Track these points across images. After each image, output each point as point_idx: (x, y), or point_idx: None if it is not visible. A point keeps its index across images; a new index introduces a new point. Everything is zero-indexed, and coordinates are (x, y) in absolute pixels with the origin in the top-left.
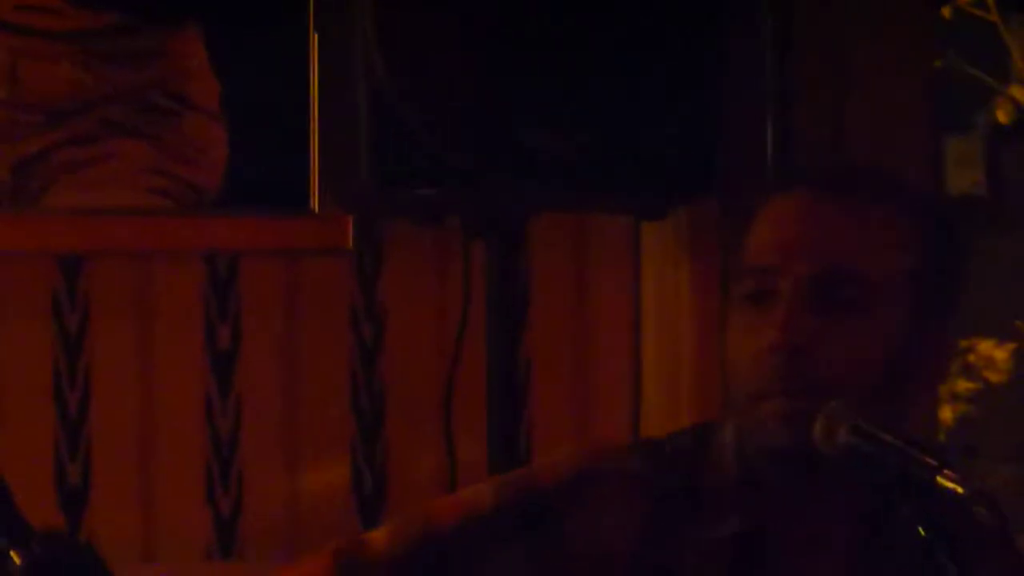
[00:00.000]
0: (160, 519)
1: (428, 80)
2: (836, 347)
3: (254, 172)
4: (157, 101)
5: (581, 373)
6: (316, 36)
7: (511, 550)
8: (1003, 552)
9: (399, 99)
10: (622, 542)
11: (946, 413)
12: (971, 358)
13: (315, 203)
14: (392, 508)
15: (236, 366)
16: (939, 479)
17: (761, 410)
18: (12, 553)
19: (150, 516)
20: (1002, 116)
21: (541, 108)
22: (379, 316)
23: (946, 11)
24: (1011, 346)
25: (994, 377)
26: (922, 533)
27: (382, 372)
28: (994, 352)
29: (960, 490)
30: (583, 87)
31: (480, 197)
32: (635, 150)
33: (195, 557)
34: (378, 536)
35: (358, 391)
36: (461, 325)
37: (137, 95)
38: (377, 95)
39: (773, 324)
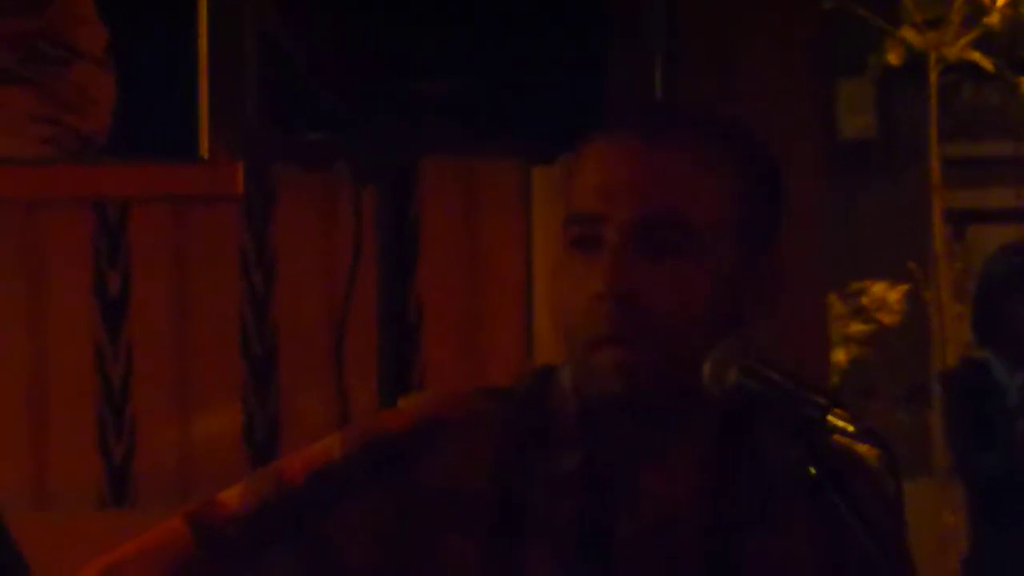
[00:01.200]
0: (52, 467)
1: (317, 24)
2: (664, 291)
3: (142, 119)
4: (44, 49)
5: (473, 316)
6: None
7: (364, 496)
8: (886, 491)
9: (288, 44)
10: (473, 480)
11: (840, 355)
12: (864, 300)
13: (204, 149)
14: (285, 453)
15: (127, 313)
16: (829, 417)
17: (595, 358)
18: None
19: (42, 464)
20: (893, 58)
21: (429, 52)
22: (270, 262)
23: None
24: (904, 287)
25: (887, 319)
26: (812, 472)
27: (273, 318)
28: (887, 294)
29: (850, 428)
30: (471, 30)
31: (369, 142)
32: (523, 93)
33: (88, 505)
34: (230, 495)
35: (249, 337)
36: (352, 270)
37: (23, 43)
38: (266, 40)
39: (600, 273)
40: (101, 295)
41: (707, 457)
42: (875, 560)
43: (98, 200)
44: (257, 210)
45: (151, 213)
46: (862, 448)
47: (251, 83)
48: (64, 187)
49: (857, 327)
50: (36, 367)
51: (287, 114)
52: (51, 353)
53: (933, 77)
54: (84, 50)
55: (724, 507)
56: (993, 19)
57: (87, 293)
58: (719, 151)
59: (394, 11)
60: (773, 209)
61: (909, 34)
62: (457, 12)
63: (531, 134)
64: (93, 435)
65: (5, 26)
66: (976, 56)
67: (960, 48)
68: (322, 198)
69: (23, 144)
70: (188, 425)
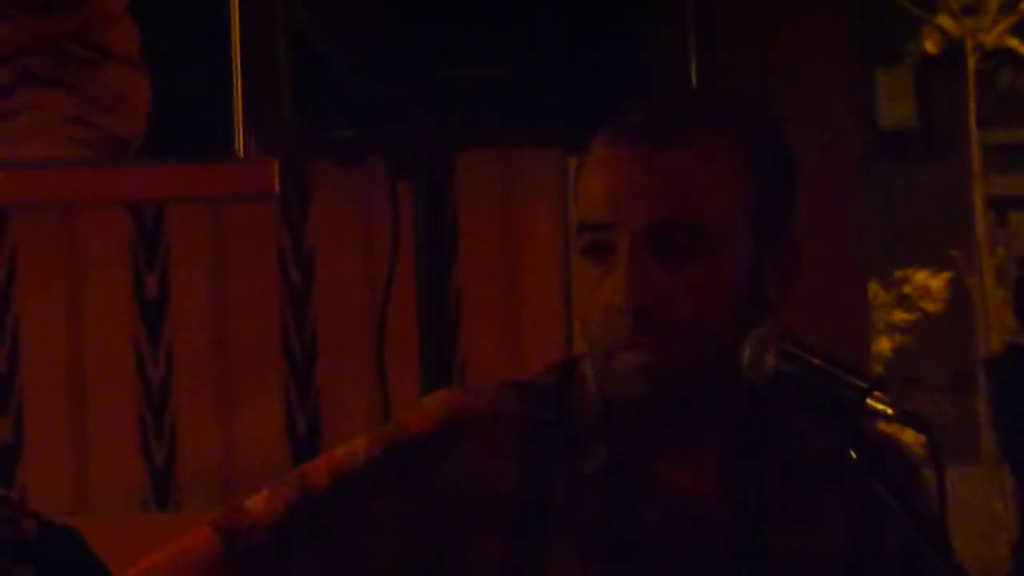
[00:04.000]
0: (94, 471)
1: (349, 19)
2: (681, 296)
3: (177, 119)
4: (76, 51)
5: (512, 308)
6: None
7: (388, 498)
8: (924, 476)
9: (320, 39)
10: (497, 481)
11: (883, 344)
12: (907, 289)
13: (240, 148)
14: (326, 450)
15: (165, 315)
16: (868, 401)
17: (616, 362)
18: None
19: (83, 469)
20: (930, 46)
21: (464, 43)
22: (307, 259)
23: None
24: (947, 275)
25: (930, 307)
26: (853, 456)
27: (312, 315)
28: (930, 282)
29: (889, 411)
30: (505, 19)
31: (404, 135)
32: (559, 81)
33: (131, 508)
34: (256, 501)
35: (289, 335)
36: (390, 265)
37: (56, 45)
38: (298, 36)
39: (615, 284)
40: (140, 297)
41: (732, 450)
42: (914, 546)
43: (134, 202)
44: (294, 208)
45: (187, 214)
46: (902, 432)
47: (284, 81)
48: (99, 189)
49: (900, 316)
50: (76, 370)
51: (321, 111)
52: (90, 356)
53: (971, 64)
54: (117, 51)
55: (749, 501)
56: None
57: (125, 295)
58: (726, 144)
59: (427, 2)
60: (785, 190)
61: (946, 22)
62: (491, 1)
63: (568, 123)
64: (134, 438)
65: (37, 29)
66: (1013, 42)
67: (997, 35)
68: (359, 194)
69: (58, 147)
70: (229, 426)
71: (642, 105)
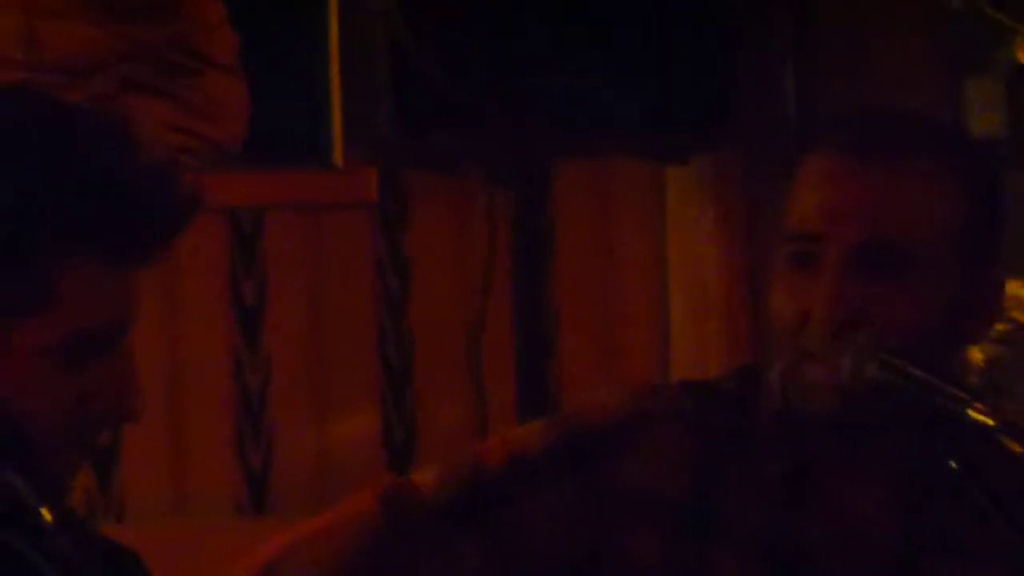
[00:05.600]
0: (191, 475)
1: (447, 29)
2: (883, 314)
3: (276, 127)
4: (176, 58)
5: (608, 318)
6: None
7: (558, 488)
8: None
9: (419, 49)
10: (671, 482)
11: (976, 354)
12: None
13: (338, 157)
14: (422, 458)
15: (263, 321)
16: (969, 411)
17: (810, 373)
18: (43, 510)
19: (180, 472)
20: (1021, 56)
21: (561, 55)
22: (405, 267)
23: None
24: None
25: (1022, 317)
26: (953, 467)
27: (409, 323)
28: (1022, 292)
29: (991, 422)
30: (604, 32)
31: (502, 145)
32: (655, 93)
33: (226, 511)
34: (426, 479)
35: (386, 342)
36: (487, 274)
37: (155, 53)
38: (397, 46)
39: (819, 294)
40: (237, 303)
41: (908, 475)
42: None
43: (232, 209)
44: (391, 216)
45: (285, 221)
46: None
47: (383, 90)
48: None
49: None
50: (174, 376)
51: (419, 120)
52: (189, 362)
53: None
54: (216, 59)
55: (917, 527)
56: None
57: (223, 302)
58: (942, 168)
59: (526, 13)
60: (995, 222)
61: None
62: (590, 13)
63: (663, 134)
64: (231, 442)
65: (136, 36)
66: None
67: None
68: (456, 203)
69: None
70: (325, 431)
71: (859, 121)
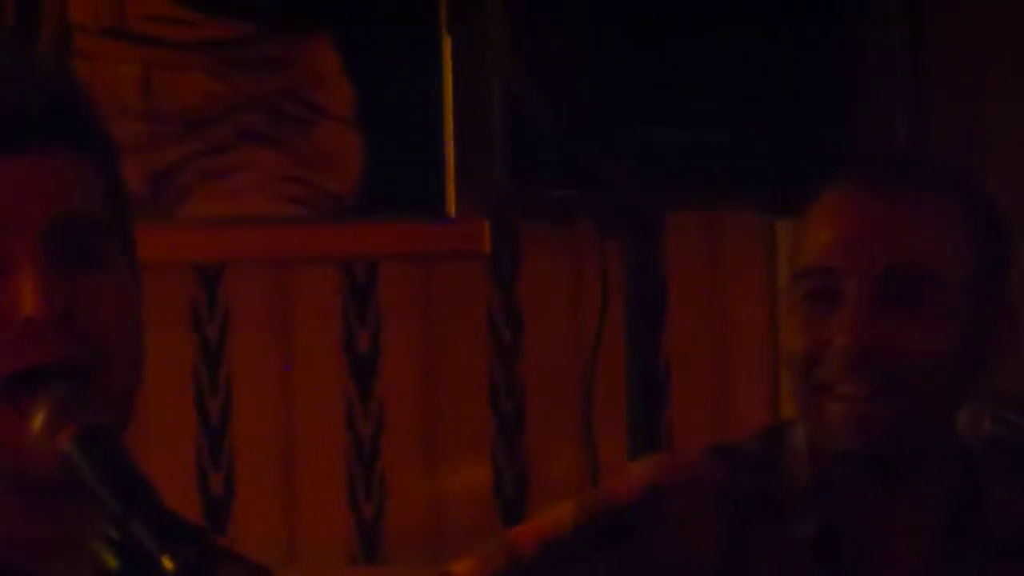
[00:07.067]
0: (303, 525)
1: (561, 81)
2: (907, 344)
3: (390, 178)
4: (291, 109)
5: (720, 371)
6: (448, 39)
7: (592, 568)
8: None
9: (533, 101)
10: (701, 551)
11: None
12: None
13: (451, 208)
14: (534, 509)
15: (376, 371)
16: None
17: (829, 410)
18: (164, 558)
19: (293, 522)
20: None
21: (672, 106)
22: (517, 318)
23: None
24: None
25: None
26: None
27: (521, 374)
28: None
29: None
30: (713, 83)
31: (614, 197)
32: (766, 144)
33: (339, 562)
34: (464, 569)
35: (497, 393)
36: (599, 325)
37: (271, 103)
38: (511, 97)
39: (842, 323)
40: (351, 353)
41: (946, 525)
42: None
43: (346, 259)
44: (504, 267)
45: (399, 271)
46: None
47: (497, 141)
48: (312, 246)
49: None
50: (287, 426)
51: (533, 171)
52: (301, 411)
53: None
54: (330, 110)
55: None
56: None
57: (337, 350)
58: (953, 203)
59: (638, 64)
60: (1004, 259)
61: None
62: (701, 64)
63: (774, 187)
64: (344, 492)
65: (252, 87)
66: None
67: None
68: (568, 254)
69: (272, 204)
70: (438, 482)
71: (869, 160)
